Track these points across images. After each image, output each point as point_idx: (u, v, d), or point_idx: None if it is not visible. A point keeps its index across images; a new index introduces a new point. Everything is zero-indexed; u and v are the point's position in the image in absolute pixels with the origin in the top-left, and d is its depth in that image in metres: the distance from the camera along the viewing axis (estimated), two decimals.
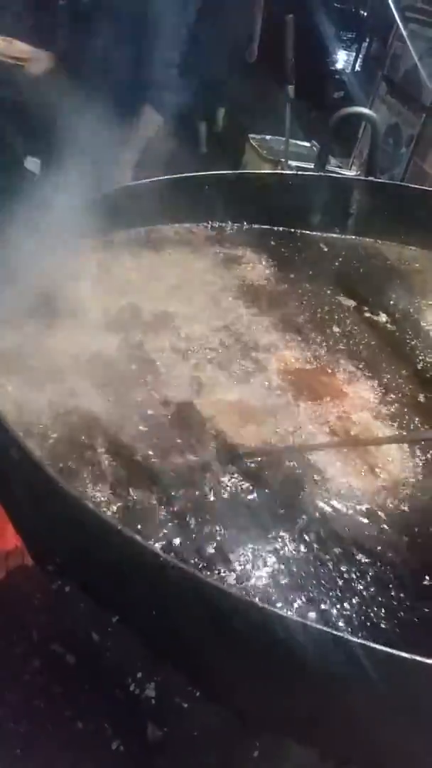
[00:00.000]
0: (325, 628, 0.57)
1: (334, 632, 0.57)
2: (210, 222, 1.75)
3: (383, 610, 0.78)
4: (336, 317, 1.48)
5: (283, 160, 2.20)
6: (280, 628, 0.59)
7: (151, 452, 0.97)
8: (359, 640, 0.57)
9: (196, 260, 1.61)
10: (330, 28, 2.34)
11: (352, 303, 1.56)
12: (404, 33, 1.97)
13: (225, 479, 0.95)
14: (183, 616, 0.66)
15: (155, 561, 0.62)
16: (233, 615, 0.61)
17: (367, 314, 1.52)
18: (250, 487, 0.96)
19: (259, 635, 0.61)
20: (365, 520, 0.93)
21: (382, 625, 0.76)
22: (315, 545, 0.87)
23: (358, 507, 0.96)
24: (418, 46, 1.95)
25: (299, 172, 1.85)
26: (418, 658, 0.57)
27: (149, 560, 0.62)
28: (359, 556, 0.86)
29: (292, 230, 1.83)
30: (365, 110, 1.76)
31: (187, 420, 1.07)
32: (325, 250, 1.81)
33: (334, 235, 1.87)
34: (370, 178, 1.79)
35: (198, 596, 0.62)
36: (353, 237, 1.87)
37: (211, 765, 0.65)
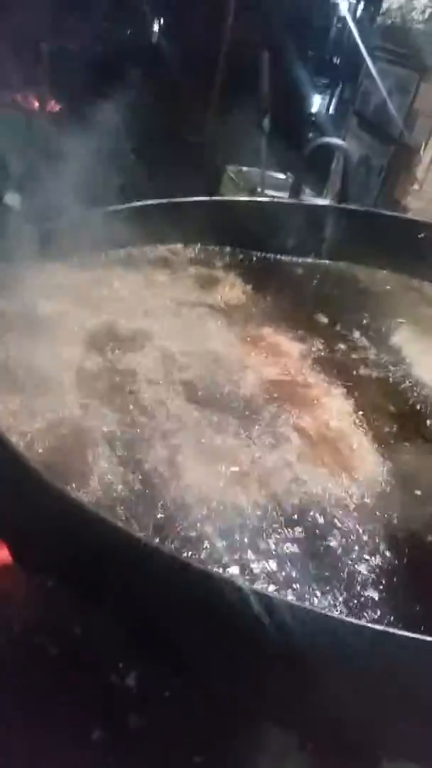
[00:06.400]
0: (312, 607, 0.59)
1: (320, 610, 0.59)
2: (189, 245, 1.80)
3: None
4: (311, 334, 1.53)
5: (259, 189, 2.28)
6: (260, 605, 0.61)
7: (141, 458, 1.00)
8: (348, 618, 0.59)
9: (174, 281, 1.66)
10: (304, 73, 2.45)
11: (326, 321, 1.61)
12: (373, 71, 2.08)
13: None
14: (164, 601, 0.67)
15: (133, 544, 0.64)
16: (213, 596, 0.63)
17: (342, 331, 1.57)
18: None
19: (237, 615, 0.63)
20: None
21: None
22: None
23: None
24: (386, 82, 2.05)
25: (274, 199, 1.92)
26: (409, 633, 0.59)
27: (127, 544, 0.64)
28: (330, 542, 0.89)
29: (269, 255, 1.89)
30: (337, 140, 1.84)
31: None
32: (300, 273, 1.87)
33: (309, 260, 1.93)
34: (343, 205, 1.86)
35: (175, 578, 0.64)
36: (327, 261, 1.94)
37: (192, 752, 0.66)
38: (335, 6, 2.01)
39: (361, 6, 2.12)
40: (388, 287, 1.85)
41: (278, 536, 0.93)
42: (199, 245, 1.81)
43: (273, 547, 0.90)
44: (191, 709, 0.67)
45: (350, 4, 2.08)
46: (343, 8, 2.10)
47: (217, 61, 3.09)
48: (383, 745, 0.66)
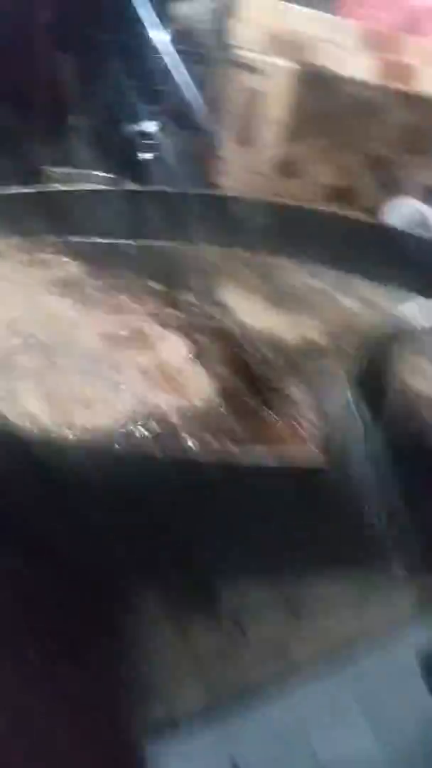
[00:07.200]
0: None
1: None
2: (14, 234, 1.82)
3: None
4: (145, 297, 1.63)
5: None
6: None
7: None
8: None
9: (2, 266, 1.67)
10: (113, 72, 2.56)
11: (158, 288, 1.72)
12: (175, 71, 2.26)
13: None
14: None
15: None
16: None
17: (173, 294, 1.69)
18: None
19: None
20: None
21: None
22: None
23: None
24: (192, 78, 2.26)
25: (84, 189, 2.02)
26: None
27: None
28: None
29: (99, 240, 1.97)
30: (145, 128, 1.98)
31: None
32: (132, 253, 1.97)
33: (138, 242, 2.03)
34: (156, 188, 1.99)
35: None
36: (155, 242, 2.05)
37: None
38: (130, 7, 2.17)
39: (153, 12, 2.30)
40: (211, 258, 2.00)
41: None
42: (24, 235, 1.84)
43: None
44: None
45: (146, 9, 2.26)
46: (141, 15, 2.26)
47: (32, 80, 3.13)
48: None
